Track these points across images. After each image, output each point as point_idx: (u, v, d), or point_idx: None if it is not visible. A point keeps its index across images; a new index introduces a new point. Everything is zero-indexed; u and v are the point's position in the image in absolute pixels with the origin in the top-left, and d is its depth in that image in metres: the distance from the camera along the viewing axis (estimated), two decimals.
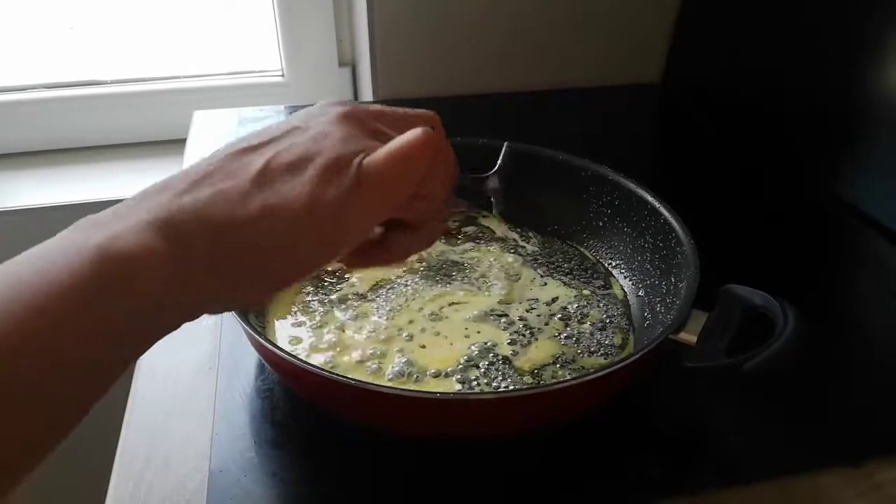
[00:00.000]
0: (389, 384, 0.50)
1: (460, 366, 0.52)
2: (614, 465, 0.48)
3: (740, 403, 0.53)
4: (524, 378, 0.52)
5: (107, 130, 1.05)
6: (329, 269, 0.62)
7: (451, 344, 0.54)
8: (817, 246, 0.73)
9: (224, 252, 0.28)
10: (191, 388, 0.52)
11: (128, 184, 0.98)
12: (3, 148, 1.03)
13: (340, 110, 0.33)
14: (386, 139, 0.33)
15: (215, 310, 0.31)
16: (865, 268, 0.71)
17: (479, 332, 0.56)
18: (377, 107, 0.35)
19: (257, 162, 0.30)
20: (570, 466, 0.48)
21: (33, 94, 1.01)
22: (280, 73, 1.08)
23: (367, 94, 1.01)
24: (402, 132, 0.32)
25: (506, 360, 0.53)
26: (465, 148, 0.68)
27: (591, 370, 0.52)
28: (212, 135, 0.89)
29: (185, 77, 1.07)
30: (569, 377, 0.52)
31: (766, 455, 0.49)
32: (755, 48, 0.89)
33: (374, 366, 0.52)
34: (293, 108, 0.97)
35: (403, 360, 0.53)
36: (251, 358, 0.55)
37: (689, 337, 0.47)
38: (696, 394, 0.53)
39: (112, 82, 1.04)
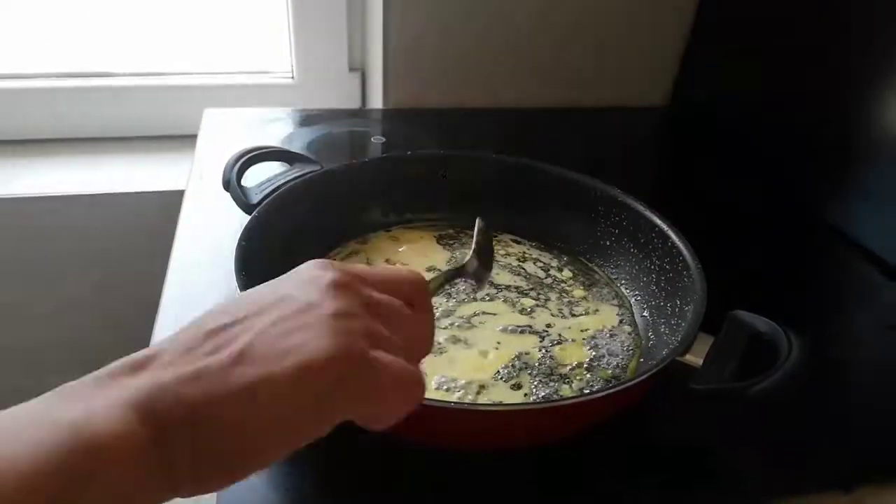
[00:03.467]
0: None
1: (498, 374, 0.54)
2: (615, 481, 0.49)
3: (737, 426, 0.54)
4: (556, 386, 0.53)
5: (117, 122, 1.05)
6: None
7: (484, 355, 0.56)
8: (817, 275, 0.75)
9: (206, 434, 0.26)
10: None
11: (135, 177, 0.98)
12: (14, 135, 1.03)
13: (331, 278, 0.31)
14: (377, 311, 0.31)
15: (189, 488, 0.27)
16: (864, 300, 0.73)
17: (499, 344, 0.57)
18: (361, 269, 0.34)
19: (242, 337, 0.28)
20: (572, 481, 0.49)
21: (46, 82, 1.02)
22: (290, 75, 1.09)
23: (376, 100, 1.02)
24: (392, 294, 0.33)
25: (536, 368, 0.55)
26: (464, 161, 0.70)
27: (599, 387, 0.53)
28: (222, 133, 0.90)
29: (196, 73, 1.07)
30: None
31: (761, 477, 0.50)
32: (761, 76, 0.91)
33: None
34: (302, 112, 0.98)
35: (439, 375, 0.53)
36: None
37: (695, 359, 0.48)
38: (695, 415, 0.54)
39: (123, 74, 1.04)
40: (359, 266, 0.34)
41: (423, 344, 0.34)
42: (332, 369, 0.27)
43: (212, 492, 0.27)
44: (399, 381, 0.30)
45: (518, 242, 0.70)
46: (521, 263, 0.67)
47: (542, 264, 0.67)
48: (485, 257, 0.53)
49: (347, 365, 0.28)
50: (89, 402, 0.25)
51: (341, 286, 0.31)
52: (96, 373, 0.27)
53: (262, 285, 0.32)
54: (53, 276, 0.99)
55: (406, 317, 0.33)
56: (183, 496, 0.26)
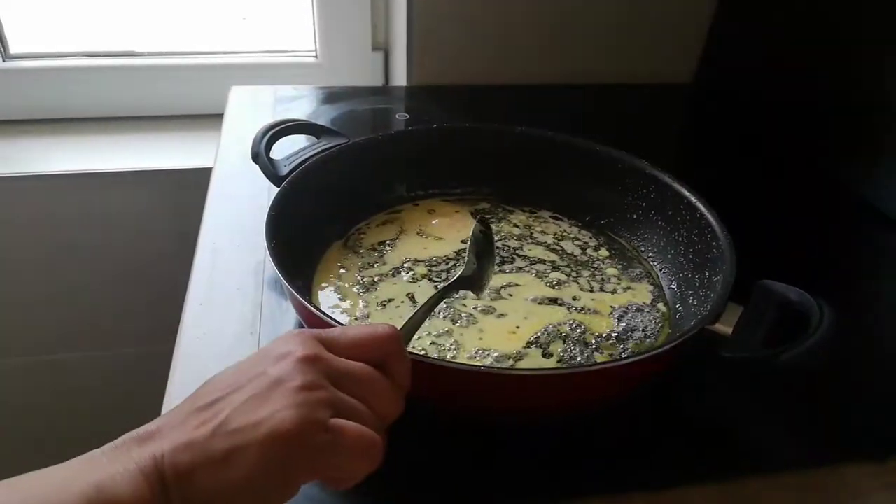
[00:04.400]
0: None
1: (529, 344, 0.54)
2: (646, 448, 0.50)
3: (769, 395, 0.54)
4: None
5: (145, 101, 1.06)
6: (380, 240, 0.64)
7: (514, 325, 0.56)
8: (845, 247, 0.74)
9: (195, 496, 0.31)
10: (232, 353, 0.54)
11: (164, 155, 0.99)
12: (43, 114, 1.04)
13: (300, 354, 0.35)
14: (341, 381, 0.35)
15: None
16: (894, 271, 0.72)
17: (529, 314, 0.57)
18: (331, 337, 0.37)
19: (223, 412, 0.33)
20: (603, 448, 0.49)
21: (73, 61, 1.03)
22: (314, 54, 1.09)
23: (400, 78, 1.02)
24: (362, 355, 0.37)
25: (567, 338, 0.55)
26: (489, 134, 0.70)
27: (628, 355, 0.53)
28: (248, 110, 0.90)
29: (221, 53, 1.08)
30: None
31: (794, 445, 0.50)
32: (787, 51, 0.90)
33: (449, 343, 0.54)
34: (326, 89, 0.98)
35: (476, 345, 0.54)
36: (291, 325, 0.56)
37: (724, 328, 0.48)
38: (727, 384, 0.54)
39: (150, 54, 1.05)
40: (330, 332, 0.37)
41: (389, 405, 0.37)
42: (293, 437, 0.32)
43: None
44: (357, 445, 0.34)
45: (557, 219, 0.70)
46: (558, 241, 0.67)
47: (580, 242, 0.67)
48: (483, 263, 0.55)
49: (307, 432, 0.32)
50: (109, 468, 0.31)
51: (308, 361, 0.34)
52: (115, 442, 0.33)
53: (245, 360, 0.36)
54: (84, 250, 1.01)
55: (371, 382, 0.36)
56: None
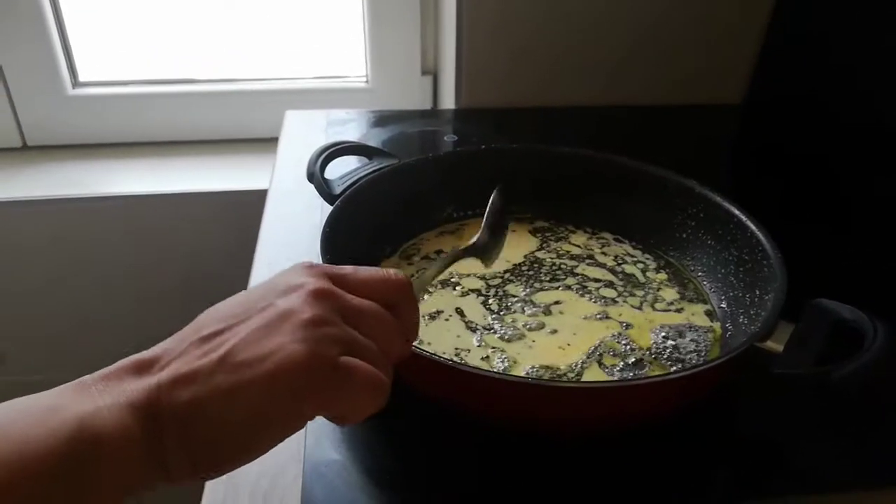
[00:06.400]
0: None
1: (579, 360, 0.54)
2: (692, 466, 0.49)
3: (823, 414, 0.54)
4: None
5: (204, 126, 1.10)
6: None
7: (566, 341, 0.57)
8: None
9: (194, 431, 0.29)
10: None
11: (222, 177, 1.03)
12: (106, 138, 1.09)
13: (311, 286, 0.34)
14: (352, 317, 0.34)
15: (184, 477, 0.31)
16: None
17: (579, 330, 0.58)
18: (343, 273, 0.36)
19: (228, 343, 0.31)
20: (649, 465, 0.49)
21: (136, 88, 1.08)
22: (365, 79, 1.12)
23: (448, 101, 1.04)
24: (373, 296, 0.36)
25: (617, 354, 0.55)
26: (538, 155, 0.71)
27: (676, 371, 0.53)
28: (302, 133, 0.93)
29: (275, 79, 1.12)
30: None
31: (847, 466, 0.50)
32: (838, 72, 0.89)
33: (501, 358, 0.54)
34: (377, 113, 1.00)
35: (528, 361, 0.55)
36: None
37: (775, 346, 0.48)
38: (778, 403, 0.54)
39: (209, 81, 1.09)
40: (342, 269, 0.36)
41: (397, 347, 0.36)
42: (302, 372, 0.30)
43: (207, 480, 0.31)
44: (365, 384, 0.32)
45: (620, 241, 0.70)
46: (619, 263, 0.67)
47: (641, 265, 0.67)
48: (496, 236, 0.55)
49: (317, 369, 0.31)
50: (96, 399, 0.29)
51: (319, 294, 0.33)
52: (109, 368, 0.31)
53: (254, 288, 0.35)
54: (143, 271, 1.04)
55: (381, 321, 0.35)
56: (181, 483, 0.30)
